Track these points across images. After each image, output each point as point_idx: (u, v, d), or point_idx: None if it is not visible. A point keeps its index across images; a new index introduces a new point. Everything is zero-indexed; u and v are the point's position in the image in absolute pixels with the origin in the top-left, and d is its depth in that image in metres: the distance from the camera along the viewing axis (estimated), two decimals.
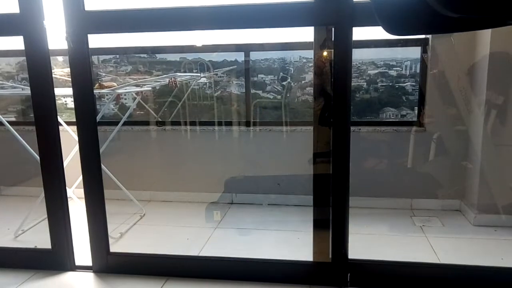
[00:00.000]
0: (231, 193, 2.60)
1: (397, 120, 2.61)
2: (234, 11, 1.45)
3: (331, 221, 1.56)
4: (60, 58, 2.67)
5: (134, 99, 2.63)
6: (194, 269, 1.69)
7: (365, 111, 2.71)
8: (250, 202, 2.58)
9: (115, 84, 2.34)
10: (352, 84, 1.49)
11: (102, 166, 1.71)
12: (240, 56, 2.68)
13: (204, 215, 2.49)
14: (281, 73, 2.83)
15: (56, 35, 1.57)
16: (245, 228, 2.25)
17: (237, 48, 2.63)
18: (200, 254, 1.90)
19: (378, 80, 2.69)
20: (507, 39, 2.00)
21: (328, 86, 1.49)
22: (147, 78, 2.75)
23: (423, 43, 2.34)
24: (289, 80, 2.83)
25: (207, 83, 2.84)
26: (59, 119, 1.70)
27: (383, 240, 2.07)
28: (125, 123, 2.50)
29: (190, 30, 1.59)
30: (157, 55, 2.89)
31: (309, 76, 2.72)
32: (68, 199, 1.73)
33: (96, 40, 1.62)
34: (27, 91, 1.67)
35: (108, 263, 1.71)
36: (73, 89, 1.57)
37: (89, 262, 1.73)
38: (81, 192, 1.69)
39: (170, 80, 2.40)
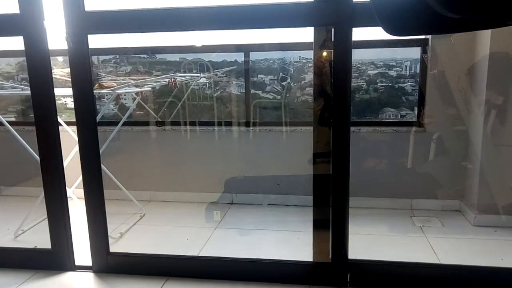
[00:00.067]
0: (231, 193, 2.60)
1: (397, 120, 2.61)
2: (233, 12, 1.45)
3: (331, 221, 1.56)
4: (60, 58, 2.67)
5: (134, 99, 2.63)
6: (194, 269, 1.69)
7: (365, 111, 2.71)
8: (250, 202, 2.58)
9: (115, 84, 2.34)
10: (352, 84, 1.49)
11: (102, 166, 1.71)
12: (240, 57, 2.68)
13: (204, 215, 2.49)
14: (280, 74, 2.83)
15: (56, 35, 1.57)
16: (245, 228, 2.25)
17: (237, 48, 2.63)
18: (200, 254, 1.90)
19: (378, 81, 2.69)
20: (507, 39, 2.00)
21: (328, 86, 1.49)
22: (147, 78, 2.75)
23: (423, 44, 2.34)
24: (288, 80, 2.84)
25: (207, 84, 2.84)
26: (59, 119, 1.70)
27: (383, 240, 2.07)
28: (125, 123, 2.50)
29: (190, 31, 1.59)
30: (157, 55, 2.89)
31: (309, 77, 2.72)
32: (68, 199, 1.73)
33: (96, 41, 1.62)
34: (27, 91, 1.67)
35: (108, 263, 1.71)
36: (73, 89, 1.57)
37: (89, 262, 1.73)
38: (81, 192, 1.69)
39: (170, 81, 2.40)
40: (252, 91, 2.67)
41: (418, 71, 2.48)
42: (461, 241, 2.03)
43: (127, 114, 2.48)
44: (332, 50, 1.43)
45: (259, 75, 2.81)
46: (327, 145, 1.52)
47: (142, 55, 2.90)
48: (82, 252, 1.78)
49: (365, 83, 2.71)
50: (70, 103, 2.80)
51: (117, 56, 2.92)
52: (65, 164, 1.72)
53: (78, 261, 1.76)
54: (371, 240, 2.05)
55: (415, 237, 2.07)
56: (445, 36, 2.21)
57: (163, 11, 1.48)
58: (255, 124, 2.61)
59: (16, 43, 1.60)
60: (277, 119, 2.69)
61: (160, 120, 2.73)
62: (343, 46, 1.42)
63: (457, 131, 2.32)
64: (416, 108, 2.47)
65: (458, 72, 2.24)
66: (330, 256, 1.59)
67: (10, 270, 1.76)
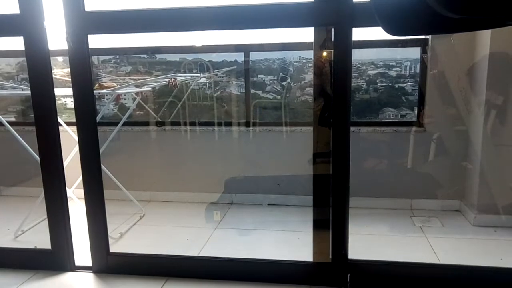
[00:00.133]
0: (231, 193, 2.60)
1: (397, 120, 2.61)
2: (234, 12, 1.45)
3: (331, 221, 1.56)
4: (60, 59, 2.67)
5: (134, 99, 2.63)
6: (194, 269, 1.69)
7: (365, 111, 2.71)
8: (250, 203, 2.58)
9: (115, 84, 2.34)
10: (352, 84, 1.49)
11: (102, 166, 1.71)
12: (240, 57, 2.68)
13: (204, 215, 2.49)
14: (280, 74, 2.83)
15: (56, 36, 1.57)
16: (245, 229, 2.25)
17: (237, 48, 2.63)
18: (200, 255, 1.90)
19: (377, 81, 2.69)
20: (507, 39, 2.00)
21: (328, 86, 1.49)
22: (147, 78, 2.75)
23: (422, 44, 2.34)
24: (288, 80, 2.84)
25: (207, 84, 2.84)
26: (59, 119, 1.70)
27: (383, 240, 2.07)
28: (125, 124, 2.49)
29: (190, 31, 1.59)
30: (157, 55, 2.89)
31: (309, 77, 2.72)
32: (68, 200, 1.73)
33: (96, 41, 1.62)
34: (27, 91, 1.67)
35: (108, 263, 1.71)
36: (73, 89, 1.57)
37: (89, 263, 1.73)
38: (81, 192, 1.69)
39: (170, 81, 2.40)
40: (252, 91, 2.67)
41: (418, 71, 2.48)
42: (461, 241, 2.03)
43: (127, 114, 2.48)
44: (332, 50, 1.43)
45: (259, 75, 2.81)
46: (327, 145, 1.52)
47: (142, 55, 2.90)
48: (82, 252, 1.78)
49: (365, 83, 2.71)
50: (70, 103, 2.80)
51: (117, 56, 2.92)
52: (65, 164, 1.72)
53: (78, 261, 1.76)
54: (371, 240, 2.05)
55: (415, 237, 2.07)
56: (445, 36, 2.21)
57: (163, 11, 1.48)
58: (255, 124, 2.61)
59: (16, 43, 1.60)
60: (277, 119, 2.69)
61: (160, 120, 2.73)
62: (343, 46, 1.42)
63: (457, 131, 2.32)
64: (416, 108, 2.47)
65: (458, 72, 2.24)
66: (330, 256, 1.58)
67: (10, 270, 1.76)
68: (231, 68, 2.77)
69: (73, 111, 1.60)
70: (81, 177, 1.67)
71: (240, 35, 2.43)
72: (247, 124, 2.62)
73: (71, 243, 1.73)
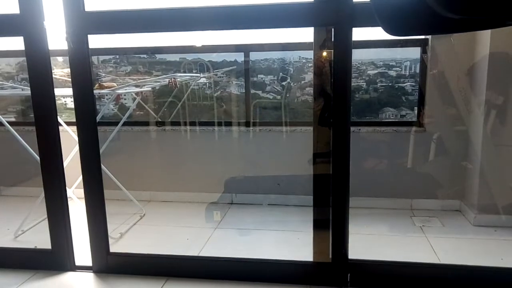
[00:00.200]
0: (231, 193, 2.60)
1: (397, 120, 2.61)
2: (234, 12, 1.45)
3: (331, 221, 1.56)
4: (60, 59, 2.67)
5: (134, 99, 2.63)
6: (194, 269, 1.69)
7: (365, 111, 2.71)
8: (250, 202, 2.58)
9: (115, 84, 2.34)
10: (352, 84, 1.49)
11: (102, 166, 1.71)
12: (239, 57, 2.68)
13: (204, 215, 2.49)
14: (280, 73, 2.83)
15: (56, 36, 1.57)
16: (245, 228, 2.25)
17: (237, 48, 2.63)
18: (200, 254, 1.90)
19: (377, 80, 2.69)
20: (507, 39, 2.00)
21: (328, 86, 1.49)
22: (146, 78, 2.75)
23: (422, 44, 2.34)
24: (288, 80, 2.84)
25: (207, 84, 2.84)
26: (59, 119, 1.70)
27: (383, 240, 2.07)
28: (125, 123, 2.50)
29: (190, 31, 1.59)
30: (156, 55, 2.89)
31: (309, 76, 2.72)
32: (68, 199, 1.73)
33: (96, 41, 1.62)
34: (27, 91, 1.67)
35: (108, 263, 1.71)
36: (73, 89, 1.57)
37: (89, 263, 1.73)
38: (81, 192, 1.69)
39: (170, 81, 2.40)
40: (252, 91, 2.67)
41: (418, 71, 2.48)
42: (461, 241, 2.03)
43: (127, 114, 2.48)
44: (332, 50, 1.44)
45: (259, 75, 2.81)
46: (327, 145, 1.53)
47: (142, 55, 2.90)
48: (82, 252, 1.78)
49: (365, 83, 2.71)
50: (70, 103, 2.80)
51: (117, 56, 2.92)
52: (65, 164, 1.72)
53: (78, 261, 1.76)
54: (371, 240, 2.05)
55: (415, 237, 2.07)
56: (445, 36, 2.21)
57: (163, 11, 1.48)
58: (255, 124, 2.61)
59: (16, 43, 1.60)
60: (277, 119, 2.69)
61: (160, 120, 2.73)
62: (343, 46, 1.42)
63: (457, 131, 2.32)
64: (416, 108, 2.47)
65: (458, 72, 2.24)
66: (330, 256, 1.59)
67: (10, 270, 1.76)
68: (231, 68, 2.77)
69: (73, 111, 1.60)
70: (81, 177, 1.67)
71: (240, 35, 2.43)
72: (247, 124, 2.62)
73: (71, 243, 1.73)
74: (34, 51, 1.54)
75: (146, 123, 2.71)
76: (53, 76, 1.61)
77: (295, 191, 2.48)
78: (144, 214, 2.43)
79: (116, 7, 1.52)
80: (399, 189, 2.42)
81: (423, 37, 2.34)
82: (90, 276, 1.71)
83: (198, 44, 2.63)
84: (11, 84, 2.75)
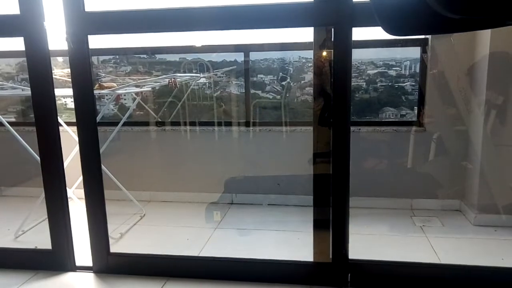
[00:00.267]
0: (231, 193, 2.60)
1: (397, 120, 2.61)
2: (233, 12, 1.45)
3: (331, 221, 1.56)
4: (60, 59, 2.67)
5: (134, 99, 2.63)
6: (194, 270, 1.69)
7: (365, 111, 2.71)
8: (250, 203, 2.58)
9: (115, 84, 2.34)
10: (352, 84, 1.49)
11: (102, 166, 1.71)
12: (239, 56, 2.68)
13: (204, 215, 2.49)
14: (280, 73, 2.83)
15: (57, 36, 1.57)
16: (245, 229, 2.25)
17: (237, 48, 2.63)
18: (200, 255, 1.90)
19: (377, 80, 2.69)
20: (507, 39, 2.00)
21: (327, 86, 1.49)
22: (146, 78, 2.75)
23: (422, 43, 2.34)
24: (288, 80, 2.84)
25: (207, 84, 2.84)
26: (59, 120, 1.70)
27: (384, 240, 2.07)
28: (125, 124, 2.50)
29: (190, 31, 1.58)
30: (156, 55, 2.89)
31: (309, 76, 2.72)
32: (68, 200, 1.73)
33: (96, 41, 1.62)
34: (27, 91, 1.67)
35: (108, 263, 1.71)
36: (73, 89, 1.57)
37: (89, 263, 1.73)
38: (81, 192, 1.70)
39: (170, 81, 2.40)
40: (252, 91, 2.67)
41: (418, 70, 2.48)
42: (461, 240, 2.03)
43: (127, 115, 2.48)
44: (332, 50, 1.44)
45: (258, 75, 2.81)
46: (327, 145, 1.53)
47: (142, 55, 2.90)
48: (83, 252, 1.78)
49: (365, 83, 2.71)
50: (70, 103, 2.80)
51: (117, 56, 2.92)
52: (65, 164, 1.72)
53: (78, 262, 1.76)
54: (371, 240, 2.05)
55: (416, 237, 2.07)
56: (445, 36, 2.21)
57: (163, 11, 1.48)
58: (255, 124, 2.61)
59: (16, 43, 1.60)
60: (277, 119, 2.69)
61: (160, 120, 2.73)
62: (343, 46, 1.42)
63: (457, 131, 2.32)
64: (416, 107, 2.47)
65: (458, 72, 2.24)
66: (331, 256, 1.59)
67: (10, 270, 1.76)
68: (231, 68, 2.77)
69: (73, 111, 1.60)
70: (81, 177, 1.67)
71: (239, 35, 2.43)
72: (247, 124, 2.62)
73: (71, 243, 1.74)
74: (35, 51, 1.54)
75: (146, 123, 2.71)
76: (53, 76, 1.61)
77: (295, 191, 2.48)
78: (144, 214, 2.43)
79: (116, 7, 1.52)
80: (399, 189, 2.42)
81: (423, 36, 2.34)
82: (90, 276, 1.71)
83: (198, 44, 2.63)
84: (11, 85, 2.75)
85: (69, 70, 1.57)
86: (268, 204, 2.56)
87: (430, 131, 2.35)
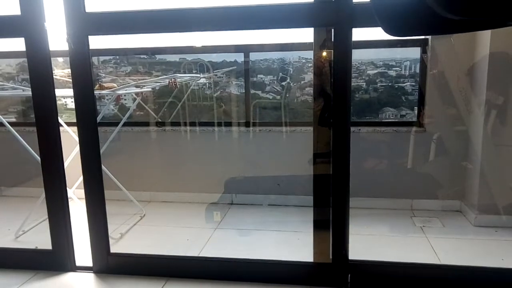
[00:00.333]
0: (231, 193, 2.60)
1: (397, 120, 2.62)
2: (233, 13, 1.46)
3: (331, 222, 1.56)
4: (60, 59, 2.68)
5: (134, 100, 2.63)
6: (194, 270, 1.69)
7: (365, 111, 2.71)
8: (250, 203, 2.58)
9: (115, 85, 2.34)
10: (352, 84, 1.49)
11: (103, 166, 1.71)
12: (239, 57, 2.68)
13: (204, 215, 2.49)
14: (280, 74, 2.83)
15: (57, 37, 1.58)
16: (245, 229, 2.25)
17: (237, 48, 2.63)
18: (200, 255, 1.90)
19: (377, 80, 2.69)
20: (507, 39, 2.00)
21: (327, 86, 1.50)
22: (146, 79, 2.75)
23: (422, 44, 2.34)
24: (288, 80, 2.84)
25: (207, 84, 2.85)
26: (60, 120, 1.70)
27: (384, 240, 2.07)
28: (125, 124, 2.50)
29: (189, 31, 1.59)
30: (156, 56, 2.89)
31: (309, 77, 2.73)
32: (69, 200, 1.74)
33: (96, 41, 1.62)
34: (28, 92, 1.67)
35: (108, 263, 1.71)
36: (73, 90, 1.57)
37: (89, 263, 1.74)
38: (81, 192, 1.70)
39: (170, 81, 2.41)
40: (252, 91, 2.67)
41: (417, 71, 2.48)
42: (461, 241, 2.03)
43: (127, 115, 2.49)
44: (332, 50, 1.44)
45: (258, 75, 2.81)
46: (327, 145, 1.53)
47: (142, 56, 2.90)
48: (83, 252, 1.78)
49: (365, 83, 2.71)
50: (71, 103, 2.80)
51: (117, 56, 2.93)
52: (65, 164, 1.72)
53: (78, 262, 1.76)
54: (371, 241, 2.05)
55: (416, 237, 2.07)
56: (445, 36, 2.21)
57: (163, 12, 1.48)
58: (255, 125, 2.62)
59: (16, 43, 1.60)
60: (277, 119, 2.69)
61: (160, 120, 2.73)
62: (343, 47, 1.42)
63: (457, 131, 2.32)
64: (416, 108, 2.47)
65: (458, 72, 2.24)
66: (331, 257, 1.59)
67: (10, 270, 1.76)
68: (231, 68, 2.77)
69: (74, 112, 1.60)
70: (81, 178, 1.67)
71: (239, 36, 2.43)
72: (247, 124, 2.62)
73: (71, 243, 1.74)
74: (35, 52, 1.54)
75: (146, 124, 2.71)
76: (54, 76, 1.61)
77: (295, 192, 2.48)
78: (144, 215, 2.43)
79: (117, 8, 1.53)
80: (399, 190, 2.41)
81: (423, 37, 2.34)
82: (90, 276, 1.71)
83: (198, 44, 2.63)
84: (11, 85, 2.76)
85: (69, 70, 1.57)
86: (268, 205, 2.56)
87: (430, 131, 2.35)
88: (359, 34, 1.42)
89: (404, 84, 2.67)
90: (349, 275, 1.58)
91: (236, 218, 2.40)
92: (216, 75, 2.80)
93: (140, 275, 1.69)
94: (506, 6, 0.46)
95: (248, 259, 1.69)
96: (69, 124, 2.30)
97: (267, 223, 2.33)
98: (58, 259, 1.74)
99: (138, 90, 2.44)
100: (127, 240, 2.10)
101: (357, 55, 2.48)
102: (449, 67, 2.26)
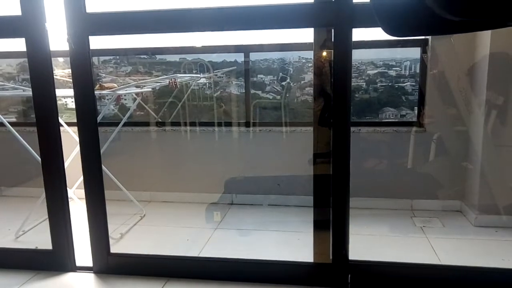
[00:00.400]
0: (231, 193, 2.60)
1: (397, 120, 2.62)
2: (233, 13, 1.46)
3: (331, 222, 1.56)
4: (61, 59, 2.68)
5: (134, 100, 2.64)
6: (194, 270, 1.69)
7: (365, 111, 2.71)
8: (250, 203, 2.58)
9: (115, 85, 2.35)
10: (352, 84, 1.49)
11: (103, 166, 1.71)
12: (239, 57, 2.68)
13: (204, 215, 2.49)
14: (280, 74, 2.83)
15: (58, 37, 1.58)
16: (245, 229, 2.25)
17: (237, 49, 2.63)
18: (200, 255, 1.90)
19: (377, 80, 2.69)
20: (507, 39, 2.00)
21: (328, 86, 1.50)
22: (147, 79, 2.75)
23: (422, 44, 2.34)
24: (288, 80, 2.84)
25: (207, 84, 2.85)
26: (60, 120, 1.70)
27: (384, 241, 2.07)
28: (125, 124, 2.50)
29: (189, 32, 1.59)
30: (157, 56, 2.89)
31: (309, 77, 2.73)
32: (69, 200, 1.74)
33: (96, 41, 1.62)
34: (28, 92, 1.67)
35: (108, 263, 1.71)
36: (74, 90, 1.57)
37: (89, 263, 1.74)
38: (81, 192, 1.70)
39: (170, 81, 2.41)
40: (252, 91, 2.67)
41: (418, 71, 2.48)
42: (462, 241, 2.03)
43: (127, 115, 2.49)
44: (332, 50, 1.44)
45: (259, 75, 2.81)
46: (327, 145, 1.53)
47: (142, 56, 2.90)
48: (83, 252, 1.78)
49: (365, 83, 2.71)
50: (71, 103, 2.81)
51: (118, 56, 2.93)
52: (66, 164, 1.72)
53: (78, 262, 1.76)
54: (371, 241, 2.05)
55: (416, 237, 2.07)
56: (445, 36, 2.21)
57: (163, 12, 1.48)
58: (255, 125, 2.62)
59: (16, 43, 1.60)
60: (277, 119, 2.69)
61: (160, 120, 2.73)
62: (343, 47, 1.42)
63: (457, 132, 2.32)
64: (416, 108, 2.47)
65: (458, 72, 2.24)
66: (331, 257, 1.59)
67: (11, 270, 1.76)
68: (231, 68, 2.77)
69: (74, 112, 1.60)
70: (82, 178, 1.67)
71: (239, 36, 2.44)
72: (247, 124, 2.62)
73: (72, 244, 1.74)
74: (36, 52, 1.54)
75: (147, 124, 2.71)
76: (54, 76, 1.61)
77: (295, 192, 2.48)
78: (144, 215, 2.43)
79: (117, 8, 1.53)
80: (400, 190, 2.41)
81: (423, 37, 2.34)
82: (90, 276, 1.71)
83: (198, 44, 2.63)
84: (12, 85, 2.76)
85: (70, 70, 1.57)
86: (268, 205, 2.56)
87: (430, 131, 2.35)
88: (359, 34, 1.42)
89: (404, 84, 2.67)
90: (349, 275, 1.58)
91: (236, 218, 2.40)
92: (216, 75, 2.80)
93: (140, 275, 1.69)
94: (506, 7, 0.46)
95: (248, 259, 1.69)
96: (69, 124, 2.30)
97: (267, 223, 2.33)
98: (58, 259, 1.74)
99: (138, 90, 2.44)
100: (127, 240, 2.10)
101: (357, 55, 2.48)
102: (449, 67, 2.26)
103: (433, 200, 2.38)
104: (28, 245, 1.92)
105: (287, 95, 2.79)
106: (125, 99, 2.84)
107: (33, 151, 1.99)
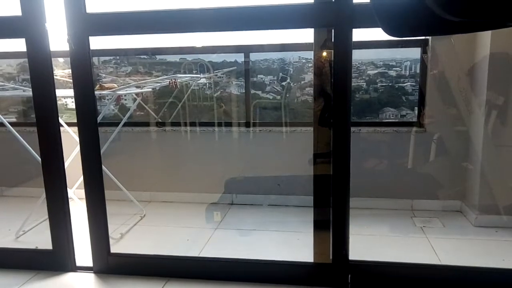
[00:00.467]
0: (231, 193, 2.60)
1: (397, 120, 2.62)
2: (234, 13, 1.46)
3: (331, 222, 1.56)
4: (61, 59, 2.68)
5: (135, 100, 2.64)
6: (194, 270, 1.69)
7: (365, 111, 2.71)
8: (250, 203, 2.58)
9: (115, 85, 2.35)
10: (352, 84, 1.49)
11: (103, 166, 1.71)
12: (239, 57, 2.68)
13: (204, 216, 2.49)
14: (280, 74, 2.83)
15: (58, 37, 1.58)
16: (245, 229, 2.25)
17: (237, 49, 2.63)
18: (201, 255, 1.90)
19: (377, 81, 2.69)
20: (507, 40, 2.00)
21: (328, 86, 1.50)
22: (147, 79, 2.75)
23: (423, 44, 2.34)
24: (288, 80, 2.84)
25: (207, 84, 2.85)
26: (60, 120, 1.70)
27: (384, 241, 2.07)
28: (125, 124, 2.50)
29: (190, 32, 1.59)
30: (157, 56, 2.89)
31: (309, 77, 2.73)
32: (69, 200, 1.74)
33: (96, 42, 1.63)
34: (29, 92, 1.67)
35: (108, 264, 1.72)
36: (74, 90, 1.57)
37: (89, 263, 1.74)
38: (82, 192, 1.70)
39: (170, 81, 2.41)
40: (252, 91, 2.67)
41: (418, 71, 2.48)
42: (462, 241, 2.03)
43: (127, 115, 2.49)
44: (332, 51, 1.44)
45: (259, 75, 2.81)
46: (327, 145, 1.53)
47: (142, 56, 2.90)
48: (83, 252, 1.78)
49: (365, 83, 2.71)
50: (71, 103, 2.81)
51: (118, 57, 2.93)
52: (66, 164, 1.72)
53: (79, 262, 1.76)
54: (371, 241, 2.05)
55: (416, 237, 2.07)
56: (445, 36, 2.21)
57: (164, 13, 1.48)
58: (255, 125, 2.62)
59: (16, 44, 1.60)
60: (277, 120, 2.69)
61: (160, 120, 2.73)
62: (343, 47, 1.42)
63: (457, 132, 2.32)
64: (416, 108, 2.47)
65: (459, 73, 2.24)
66: (331, 257, 1.59)
67: (11, 270, 1.76)
68: (231, 68, 2.77)
69: (74, 112, 1.60)
70: (82, 178, 1.67)
71: (240, 36, 2.44)
72: (247, 124, 2.62)
73: (72, 244, 1.74)
74: (36, 52, 1.55)
75: (147, 124, 2.72)
76: (54, 77, 1.61)
77: (296, 192, 2.48)
78: (144, 215, 2.43)
79: (117, 8, 1.53)
80: (400, 190, 2.41)
81: (423, 37, 2.34)
82: (90, 276, 1.71)
83: (198, 45, 2.63)
84: (12, 85, 2.76)
85: (70, 70, 1.57)
86: (268, 205, 2.56)
87: (430, 131, 2.35)
88: (359, 34, 1.42)
89: (405, 84, 2.67)
90: (350, 276, 1.58)
91: (236, 218, 2.40)
92: (216, 75, 2.80)
93: (140, 275, 1.69)
94: (506, 7, 0.46)
95: (248, 259, 1.69)
96: (69, 124, 2.30)
97: (267, 223, 2.33)
98: (58, 259, 1.74)
99: (138, 90, 2.44)
100: (127, 240, 2.10)
101: (357, 55, 2.48)
102: (449, 67, 2.26)
103: (433, 200, 2.38)
104: (28, 245, 1.93)
105: (287, 95, 2.79)
106: (125, 99, 2.85)
107: (33, 151, 2.00)
